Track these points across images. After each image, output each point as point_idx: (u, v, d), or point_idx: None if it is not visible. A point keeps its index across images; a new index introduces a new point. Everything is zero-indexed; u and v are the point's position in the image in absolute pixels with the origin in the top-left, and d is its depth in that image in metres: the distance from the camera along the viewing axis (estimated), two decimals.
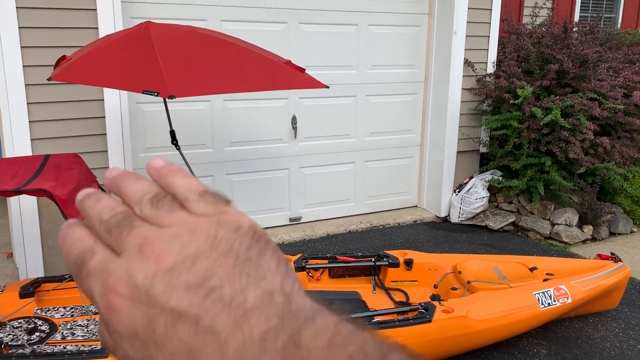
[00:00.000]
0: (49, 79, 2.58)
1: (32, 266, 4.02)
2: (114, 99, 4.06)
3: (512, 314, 3.15)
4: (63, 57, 2.90)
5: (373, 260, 3.75)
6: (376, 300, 3.58)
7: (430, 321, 2.97)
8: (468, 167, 5.87)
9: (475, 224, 5.57)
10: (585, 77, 5.15)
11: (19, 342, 2.92)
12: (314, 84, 2.81)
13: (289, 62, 2.97)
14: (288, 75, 2.77)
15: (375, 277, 3.75)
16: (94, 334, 3.04)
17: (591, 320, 3.77)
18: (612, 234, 5.42)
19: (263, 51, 2.99)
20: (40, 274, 4.08)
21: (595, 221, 5.30)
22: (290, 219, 5.31)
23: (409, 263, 3.73)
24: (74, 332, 3.06)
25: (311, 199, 5.37)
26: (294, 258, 3.69)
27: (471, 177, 5.74)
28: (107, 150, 4.13)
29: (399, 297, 3.64)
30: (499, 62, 5.65)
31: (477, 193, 5.56)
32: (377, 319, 3.02)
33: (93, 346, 2.90)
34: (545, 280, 3.47)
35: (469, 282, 3.43)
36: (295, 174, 5.23)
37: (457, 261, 3.74)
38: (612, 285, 3.55)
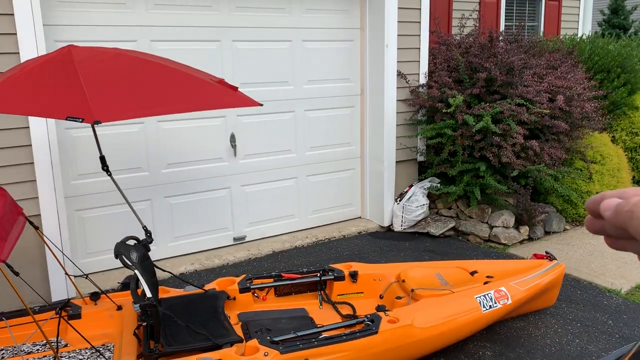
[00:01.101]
0: None
1: None
2: (41, 126, 3.89)
3: (455, 319, 3.21)
4: None
5: (318, 275, 3.73)
6: (323, 316, 3.57)
7: (376, 332, 2.98)
8: (407, 176, 5.98)
9: (418, 231, 5.67)
10: (512, 83, 5.37)
11: None
12: (248, 102, 2.79)
13: (221, 81, 2.94)
14: (220, 95, 2.74)
15: (322, 292, 3.73)
16: None
17: (531, 318, 3.89)
18: (547, 232, 5.65)
19: (193, 71, 2.95)
20: None
21: (531, 221, 5.50)
22: (235, 239, 5.23)
23: (353, 275, 3.74)
24: None
25: (255, 216, 5.31)
26: (238, 279, 3.63)
27: (411, 186, 5.85)
28: (35, 180, 3.94)
29: (346, 310, 3.63)
30: (430, 73, 5.81)
31: (418, 201, 5.67)
32: (324, 334, 3.00)
33: None
34: (485, 283, 3.56)
35: (412, 290, 3.47)
36: (237, 192, 5.16)
37: (400, 270, 3.79)
38: (549, 283, 3.69)
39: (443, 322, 3.17)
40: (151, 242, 3.24)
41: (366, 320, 3.10)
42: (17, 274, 2.46)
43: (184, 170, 4.85)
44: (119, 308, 3.34)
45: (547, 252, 3.92)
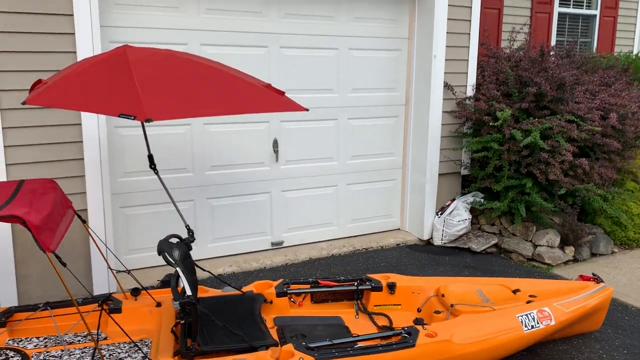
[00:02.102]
0: (23, 103, 2.53)
1: (4, 295, 3.90)
2: (92, 123, 4.01)
3: (495, 337, 3.12)
4: (39, 81, 2.86)
5: (355, 284, 3.70)
6: (359, 325, 3.53)
7: (413, 345, 2.93)
8: (450, 190, 5.89)
9: (458, 246, 5.56)
10: (563, 99, 5.22)
11: None
12: (294, 106, 2.80)
13: (268, 86, 2.96)
14: (267, 98, 2.76)
15: (358, 301, 3.70)
16: None
17: (575, 342, 3.75)
18: (593, 254, 5.45)
19: (242, 74, 2.98)
20: (13, 303, 3.96)
21: (577, 242, 5.32)
22: (272, 244, 5.25)
23: (391, 287, 3.69)
24: None
25: (293, 223, 5.32)
26: (275, 283, 3.63)
27: (453, 200, 5.75)
28: (84, 175, 4.05)
29: (382, 321, 3.59)
30: (478, 85, 5.72)
31: (460, 215, 5.57)
32: (360, 344, 2.97)
33: None
34: (528, 302, 3.45)
35: (452, 305, 3.39)
36: (277, 197, 5.19)
37: (440, 284, 3.72)
38: (595, 307, 3.54)
39: (482, 340, 3.08)
40: (193, 241, 3.28)
41: (403, 332, 3.05)
42: (64, 264, 2.53)
43: (227, 172, 4.91)
44: (158, 305, 3.39)
45: (594, 274, 3.77)
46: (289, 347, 2.82)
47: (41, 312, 3.26)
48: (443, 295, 3.52)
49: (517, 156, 5.21)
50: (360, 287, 3.67)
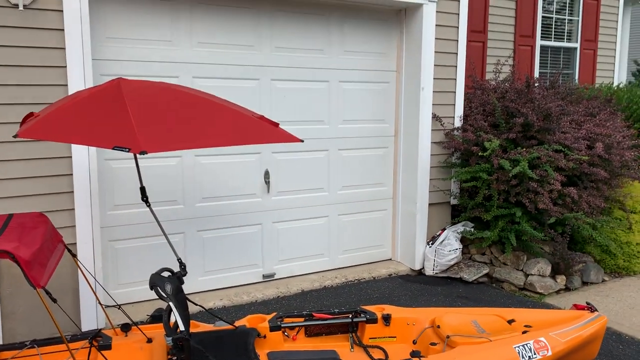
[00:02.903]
0: (15, 136, 2.51)
1: None
2: (82, 156, 3.98)
3: None
4: (30, 114, 2.84)
5: (350, 316, 3.65)
6: (354, 359, 3.47)
7: None
8: (440, 219, 5.90)
9: (450, 276, 5.54)
10: (550, 129, 5.31)
11: None
12: (289, 138, 2.81)
13: (262, 117, 2.97)
14: (262, 130, 2.77)
15: (353, 334, 3.65)
16: None
17: None
18: (584, 283, 5.46)
19: (236, 106, 2.99)
20: None
21: (568, 271, 5.34)
22: (264, 276, 5.19)
23: (386, 318, 3.65)
24: None
25: (285, 254, 5.28)
26: (269, 317, 3.57)
27: (443, 229, 5.76)
28: (74, 209, 4.00)
29: (378, 354, 3.53)
30: (465, 116, 5.80)
31: (450, 245, 5.57)
32: None
33: None
34: (524, 332, 3.42)
35: (448, 337, 3.36)
36: (268, 229, 5.16)
37: (434, 315, 3.68)
38: (590, 336, 3.53)
39: None
40: (185, 274, 3.23)
41: None
42: (54, 300, 2.47)
43: (218, 204, 4.88)
44: (149, 340, 3.31)
45: (588, 303, 3.77)
46: None
47: (28, 350, 3.16)
48: (438, 327, 3.49)
49: (506, 185, 5.26)
50: (355, 320, 3.62)
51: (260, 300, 4.87)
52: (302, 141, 2.84)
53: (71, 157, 3.95)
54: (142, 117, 2.50)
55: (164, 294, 2.81)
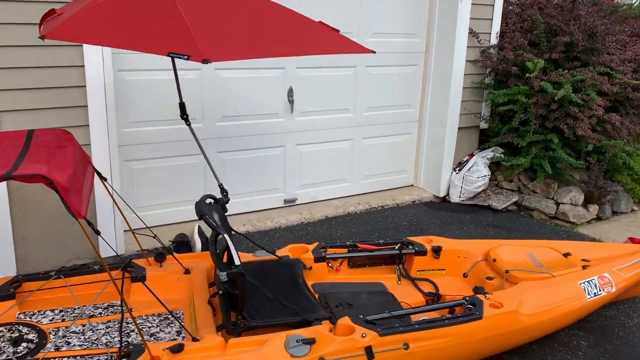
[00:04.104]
0: (42, 37, 2.06)
1: (1, 260, 3.47)
2: (96, 65, 3.51)
3: (561, 306, 2.89)
4: (52, 11, 2.36)
5: (397, 248, 3.41)
6: (403, 292, 3.26)
7: (481, 318, 2.67)
8: (468, 145, 5.60)
9: (477, 204, 5.33)
10: (596, 50, 4.92)
11: (4, 357, 2.43)
12: (359, 48, 2.40)
13: (321, 23, 2.54)
14: (331, 39, 2.35)
15: (400, 266, 3.42)
16: (94, 343, 2.58)
17: (621, 307, 3.59)
18: (614, 212, 5.30)
19: (294, 12, 2.54)
20: (11, 269, 3.54)
21: (600, 200, 5.15)
22: (285, 201, 4.90)
23: (437, 251, 3.41)
24: (69, 340, 2.59)
25: (307, 179, 4.97)
26: (311, 247, 3.30)
27: (472, 155, 5.48)
28: (88, 125, 3.58)
29: (427, 287, 3.32)
30: (502, 34, 5.36)
31: (479, 172, 5.31)
32: (423, 316, 2.70)
33: (94, 356, 2.45)
34: (584, 267, 3.23)
35: (507, 271, 3.15)
36: (291, 151, 4.80)
37: (486, 248, 3.46)
38: None
39: (548, 310, 2.85)
40: (228, 201, 2.91)
41: (466, 303, 2.78)
42: (98, 232, 2.14)
43: (239, 124, 4.48)
44: (187, 272, 3.04)
45: None
46: (346, 320, 2.53)
47: (54, 282, 2.86)
48: (494, 260, 3.27)
49: (545, 110, 4.93)
50: (403, 252, 3.38)
51: (284, 226, 4.60)
52: (374, 52, 2.44)
53: (84, 66, 3.47)
54: (196, 20, 2.06)
55: (214, 224, 2.50)
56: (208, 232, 4.29)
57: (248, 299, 2.75)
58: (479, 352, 2.76)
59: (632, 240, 3.63)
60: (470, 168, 5.32)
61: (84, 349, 2.53)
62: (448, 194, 5.44)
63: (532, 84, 4.83)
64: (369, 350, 2.45)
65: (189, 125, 2.73)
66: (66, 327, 2.68)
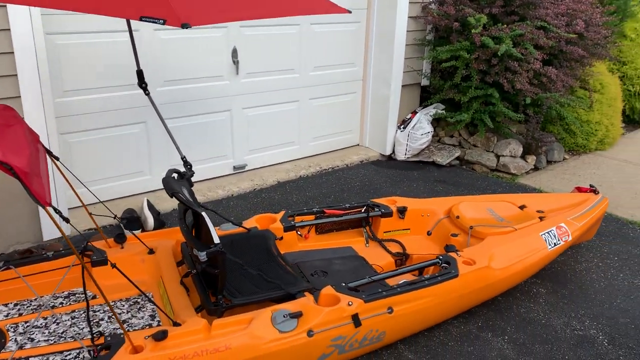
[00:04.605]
0: None
1: None
2: (24, 28, 3.13)
3: (527, 258, 3.01)
4: None
5: (363, 211, 3.39)
6: (372, 254, 3.26)
7: (457, 276, 2.72)
8: (410, 102, 5.63)
9: (422, 160, 5.41)
10: (532, 4, 5.03)
11: None
12: (335, 8, 2.27)
13: None
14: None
15: (367, 228, 3.41)
16: (60, 336, 2.38)
17: (570, 253, 3.80)
18: (548, 162, 5.58)
19: None
20: None
21: (537, 151, 5.39)
22: (235, 167, 4.73)
23: (402, 211, 3.43)
24: (32, 336, 2.37)
25: (255, 143, 4.81)
26: (278, 216, 3.21)
27: (414, 112, 5.52)
28: (19, 96, 3.22)
29: (395, 248, 3.35)
30: None
31: (423, 128, 5.37)
32: (403, 279, 2.71)
33: (65, 352, 2.26)
34: (541, 218, 3.37)
35: (471, 228, 3.22)
36: (237, 116, 4.61)
37: (448, 205, 3.52)
38: (599, 218, 3.57)
39: (517, 262, 2.96)
40: (192, 175, 2.74)
41: (440, 262, 2.83)
42: (67, 220, 1.93)
43: (182, 88, 4.22)
44: (151, 252, 2.86)
45: (591, 186, 3.78)
46: (330, 289, 2.49)
47: (3, 273, 2.60)
48: (458, 217, 3.33)
49: (486, 65, 5.02)
50: (370, 214, 3.37)
51: (237, 194, 4.45)
52: (350, 12, 2.32)
53: (9, 29, 3.09)
54: None
55: (188, 201, 2.34)
56: (158, 204, 4.07)
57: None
58: (456, 309, 2.83)
59: (578, 189, 3.83)
60: (414, 126, 5.37)
61: (52, 344, 2.33)
62: (394, 152, 5.48)
63: (474, 39, 4.88)
64: (355, 317, 2.43)
65: (147, 94, 2.50)
66: (26, 322, 2.45)
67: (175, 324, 2.29)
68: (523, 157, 5.35)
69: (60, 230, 1.87)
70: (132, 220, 3.74)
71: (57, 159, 2.45)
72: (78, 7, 1.75)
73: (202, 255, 2.26)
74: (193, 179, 2.74)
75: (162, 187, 4.32)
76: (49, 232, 3.53)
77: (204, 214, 2.25)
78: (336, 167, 5.13)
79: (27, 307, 2.56)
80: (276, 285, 2.54)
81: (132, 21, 3.82)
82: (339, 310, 2.41)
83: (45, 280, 2.68)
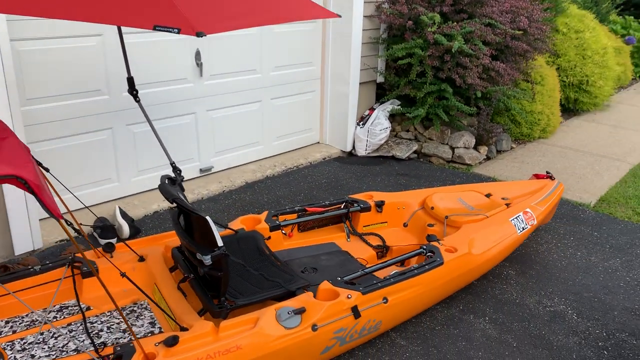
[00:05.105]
0: None
1: None
2: None
3: (500, 243, 3.22)
4: None
5: (343, 207, 3.49)
6: (355, 248, 3.38)
7: (442, 263, 2.88)
8: (367, 99, 5.79)
9: (382, 155, 5.58)
10: (479, 2, 5.30)
11: None
12: (327, 13, 2.35)
13: None
14: (301, 4, 2.27)
15: (347, 223, 3.52)
16: (62, 350, 2.34)
17: (530, 236, 4.06)
18: (498, 151, 5.89)
19: None
20: None
21: (488, 142, 5.68)
22: (201, 170, 4.71)
23: (380, 205, 3.56)
24: (33, 352, 2.32)
25: (221, 145, 4.80)
26: (262, 216, 3.26)
27: (372, 109, 5.68)
28: None
29: (375, 240, 3.48)
30: None
31: (381, 124, 5.54)
32: (394, 270, 2.84)
33: None
34: (507, 205, 3.59)
35: (447, 217, 3.40)
36: (202, 118, 4.59)
37: (421, 197, 3.68)
38: (557, 203, 3.84)
39: (492, 247, 3.16)
40: (183, 179, 2.74)
41: (425, 251, 2.98)
42: (78, 232, 1.91)
43: (147, 92, 4.17)
44: (141, 259, 2.84)
45: (547, 172, 4.06)
46: (327, 284, 2.58)
47: None
48: (432, 208, 3.50)
49: (439, 61, 5.25)
50: (350, 210, 3.48)
51: (207, 197, 4.45)
52: (340, 16, 2.41)
53: None
54: None
55: (190, 207, 2.36)
56: (129, 211, 4.01)
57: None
58: (442, 294, 2.99)
59: (536, 176, 4.10)
60: (373, 122, 5.52)
61: (55, 358, 2.29)
62: (354, 148, 5.62)
63: (427, 37, 5.09)
64: (355, 309, 2.54)
65: (138, 101, 2.49)
66: (22, 339, 2.39)
67: (183, 329, 2.30)
68: (476, 148, 5.63)
69: (74, 242, 1.86)
70: (106, 228, 3.67)
71: (47, 170, 2.40)
72: (90, 17, 1.74)
73: (207, 259, 2.29)
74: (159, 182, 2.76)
75: (132, 193, 4.27)
76: (21, 246, 3.41)
77: (207, 218, 2.28)
78: (300, 166, 5.21)
79: (19, 323, 2.49)
80: (276, 283, 2.61)
81: (94, 24, 3.75)
82: (339, 303, 2.50)
83: (34, 295, 2.61)
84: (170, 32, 1.73)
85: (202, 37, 1.73)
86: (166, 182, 2.58)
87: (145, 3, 1.79)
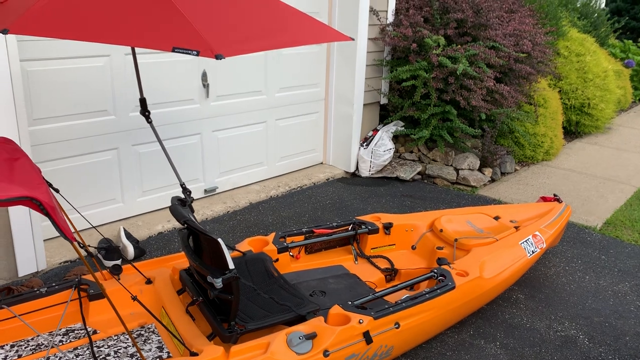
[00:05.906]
0: (4, 32, 1.70)
1: None
2: (1, 54, 3.01)
3: (512, 266, 3.19)
4: None
5: (351, 229, 3.46)
6: (362, 271, 3.34)
7: (454, 287, 2.85)
8: (371, 120, 5.80)
9: (386, 176, 5.57)
10: (483, 25, 5.34)
11: None
12: (340, 36, 2.36)
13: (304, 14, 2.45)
14: (316, 27, 2.27)
15: (355, 246, 3.48)
16: None
17: (538, 259, 4.03)
18: (502, 174, 5.89)
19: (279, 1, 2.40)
20: None
21: (492, 164, 5.68)
22: (206, 191, 4.68)
23: (388, 227, 3.53)
24: None
25: (225, 165, 4.79)
26: (270, 238, 3.23)
27: (376, 130, 5.69)
28: None
29: (383, 264, 3.44)
30: (396, 11, 5.57)
31: (385, 145, 5.54)
32: (405, 294, 2.80)
33: None
34: (516, 228, 3.57)
35: (456, 240, 3.37)
36: (208, 138, 4.58)
37: (429, 219, 3.66)
38: (565, 226, 3.82)
39: (503, 271, 3.13)
40: (192, 201, 2.72)
41: (436, 275, 2.94)
42: (91, 255, 1.88)
43: (154, 113, 4.16)
44: (149, 281, 2.80)
45: (555, 195, 4.04)
46: (338, 309, 2.54)
47: None
48: (441, 231, 3.47)
49: (443, 84, 5.27)
50: (358, 232, 3.45)
51: (211, 217, 4.41)
52: (353, 39, 2.41)
53: None
54: (195, 14, 1.87)
55: (201, 229, 2.33)
56: (133, 232, 3.97)
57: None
58: (454, 319, 2.95)
59: (543, 199, 4.08)
60: (377, 143, 5.52)
61: None
62: (357, 169, 5.61)
63: (432, 59, 5.12)
64: (367, 335, 2.49)
65: (150, 122, 2.48)
66: None
67: (193, 354, 2.26)
68: (480, 169, 5.62)
69: (87, 266, 1.83)
70: (110, 250, 3.63)
71: (57, 191, 2.37)
72: (111, 39, 1.73)
73: (218, 282, 2.25)
74: (163, 203, 2.72)
75: (136, 214, 4.24)
76: (25, 267, 3.37)
77: (220, 240, 2.25)
78: (304, 186, 5.19)
79: (25, 347, 2.44)
80: (286, 307, 2.56)
81: (102, 45, 3.75)
82: (350, 328, 2.46)
83: (40, 317, 2.57)
84: (189, 54, 1.73)
85: (221, 59, 1.72)
86: (177, 203, 2.55)
87: (163, 24, 1.79)
